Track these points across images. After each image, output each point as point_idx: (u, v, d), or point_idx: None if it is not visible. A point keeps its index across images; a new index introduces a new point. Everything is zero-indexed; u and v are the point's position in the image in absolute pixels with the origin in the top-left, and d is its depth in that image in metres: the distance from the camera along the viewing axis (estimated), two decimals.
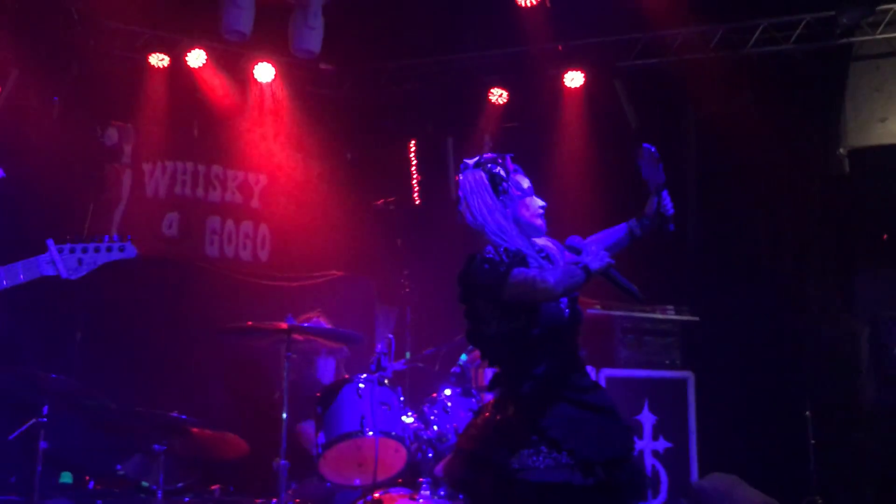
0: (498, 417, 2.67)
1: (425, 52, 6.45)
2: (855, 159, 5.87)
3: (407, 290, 5.18)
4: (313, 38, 5.74)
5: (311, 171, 6.17)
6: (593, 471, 2.54)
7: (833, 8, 5.77)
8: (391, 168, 6.40)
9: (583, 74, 6.26)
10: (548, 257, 2.81)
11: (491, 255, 2.66)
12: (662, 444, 5.58)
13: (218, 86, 6.02)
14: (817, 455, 5.39)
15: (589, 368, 5.14)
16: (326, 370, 4.69)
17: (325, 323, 4.50)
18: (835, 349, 5.79)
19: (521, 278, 2.59)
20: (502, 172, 2.78)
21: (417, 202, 6.36)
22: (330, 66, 6.44)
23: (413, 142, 6.45)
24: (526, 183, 2.83)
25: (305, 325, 3.82)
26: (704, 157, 6.25)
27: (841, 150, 5.94)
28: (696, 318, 5.53)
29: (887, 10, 5.77)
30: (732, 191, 6.11)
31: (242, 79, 6.11)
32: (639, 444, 5.50)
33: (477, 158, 2.84)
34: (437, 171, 6.49)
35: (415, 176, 6.41)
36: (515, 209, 2.77)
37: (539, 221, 2.81)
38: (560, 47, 6.20)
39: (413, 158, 6.47)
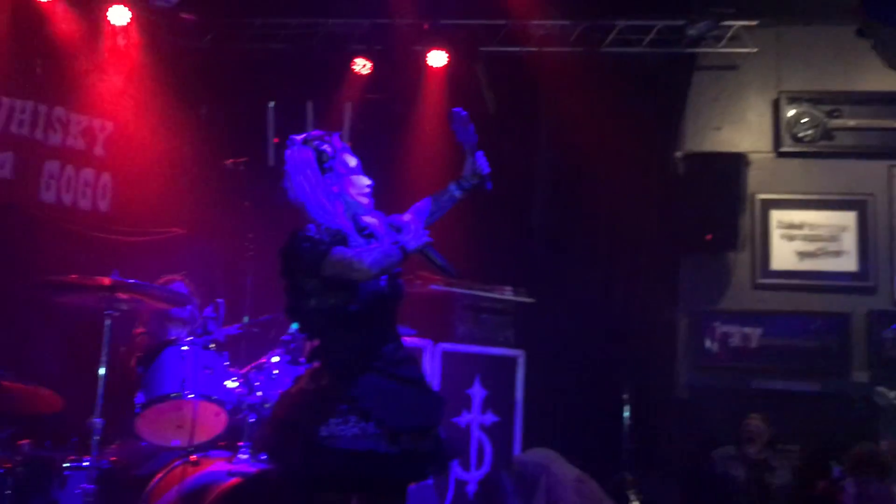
0: (312, 387, 2.75)
1: (292, 12, 6.36)
2: (689, 163, 6.27)
3: (250, 253, 5.14)
4: None
5: (162, 123, 5.98)
6: (399, 439, 2.66)
7: (684, 17, 6.10)
8: (246, 128, 6.28)
9: (446, 54, 6.36)
10: (372, 235, 2.89)
11: (311, 234, 2.72)
12: (490, 418, 5.82)
13: (67, 23, 5.72)
14: (631, 435, 5.77)
15: (426, 342, 5.35)
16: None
17: (186, 287, 4.42)
18: (656, 338, 6.20)
19: (339, 258, 2.66)
20: (329, 150, 2.83)
21: (270, 164, 6.29)
22: (191, 16, 6.24)
23: (272, 103, 6.36)
24: (353, 161, 2.89)
25: (135, 282, 3.74)
26: (555, 147, 6.49)
27: (678, 153, 6.33)
28: (532, 300, 5.76)
29: (730, 26, 6.16)
30: (578, 182, 6.39)
31: (95, 19, 5.83)
32: (467, 418, 5.72)
33: (304, 135, 2.87)
34: (293, 135, 6.44)
35: (271, 138, 6.32)
36: (342, 187, 2.82)
37: (365, 200, 2.87)
38: (426, 26, 6.26)
39: (270, 120, 6.38)
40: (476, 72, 6.40)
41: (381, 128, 6.35)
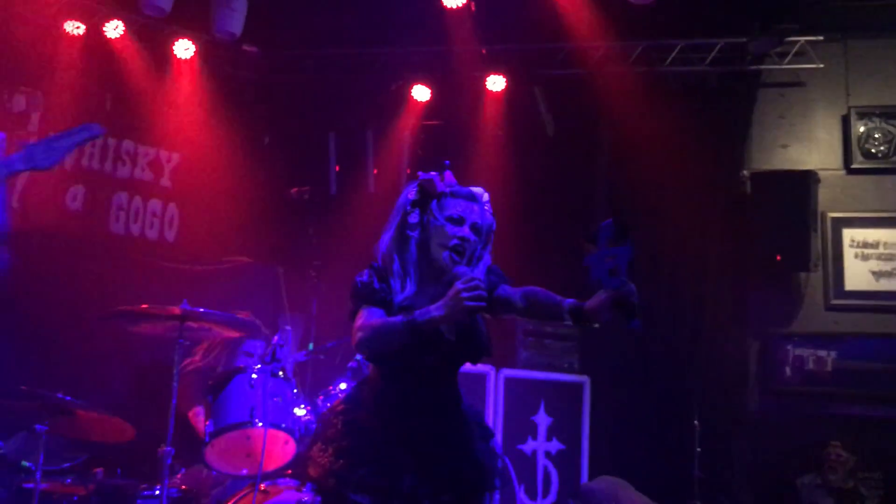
0: (338, 425, 2.66)
1: (351, 42, 6.44)
2: (756, 182, 6.13)
3: (315, 280, 5.17)
4: (234, 19, 5.67)
5: (226, 154, 6.09)
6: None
7: (746, 35, 6.00)
8: (308, 157, 6.37)
9: (504, 79, 6.35)
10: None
11: (364, 279, 2.62)
12: (556, 446, 5.72)
13: (135, 59, 5.88)
14: (701, 462, 5.61)
15: (489, 368, 5.30)
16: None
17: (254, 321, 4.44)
18: (725, 362, 6.03)
19: (357, 321, 2.56)
20: (431, 192, 2.65)
21: (332, 193, 6.35)
22: (252, 49, 6.36)
23: (332, 132, 6.43)
24: (458, 208, 2.64)
25: (205, 311, 3.78)
26: (616, 169, 6.42)
27: (744, 172, 6.20)
28: (596, 325, 5.66)
29: (794, 42, 6.03)
30: (640, 203, 6.29)
31: (161, 54, 5.98)
32: (533, 445, 5.64)
33: (422, 175, 2.70)
34: (354, 163, 6.50)
35: (333, 166, 6.39)
36: (428, 238, 2.64)
37: (443, 257, 2.62)
38: (483, 51, 6.27)
39: (332, 149, 6.45)
40: (534, 95, 6.38)
41: (441, 154, 6.36)
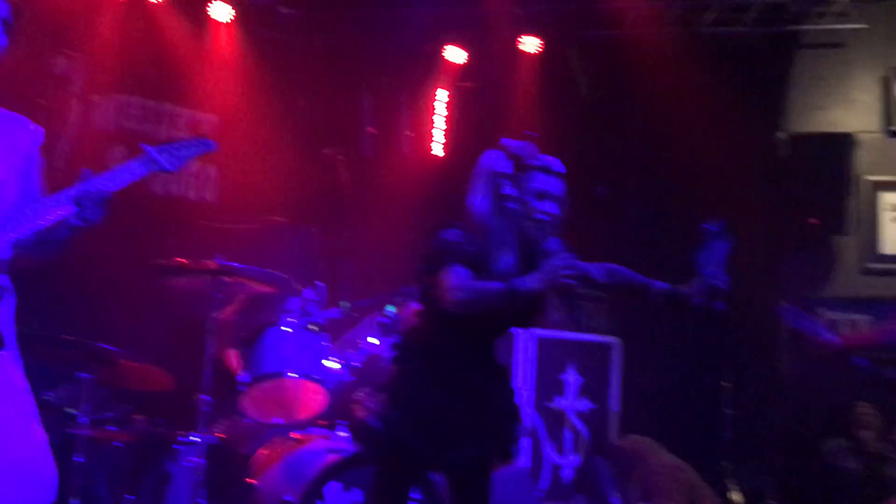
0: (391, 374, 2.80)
1: (384, 3, 6.44)
2: (793, 144, 6.06)
3: (349, 240, 5.27)
4: None
5: (262, 115, 6.17)
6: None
7: None
8: (343, 118, 6.42)
9: (539, 40, 6.33)
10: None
11: (455, 239, 2.66)
12: (586, 405, 5.80)
13: (174, 23, 5.97)
14: (731, 423, 5.63)
15: (519, 329, 5.37)
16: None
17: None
18: (757, 325, 6.02)
19: (455, 279, 2.59)
20: (522, 162, 2.71)
21: (367, 154, 6.41)
22: (290, 10, 6.42)
23: (366, 93, 6.48)
24: (542, 181, 2.71)
25: (239, 265, 3.89)
26: (651, 130, 6.38)
27: (780, 134, 6.12)
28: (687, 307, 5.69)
29: (833, 2, 5.91)
30: (674, 165, 6.26)
31: (199, 17, 6.07)
32: (562, 403, 5.72)
33: (507, 144, 2.76)
34: (388, 125, 6.55)
35: (367, 127, 6.45)
36: (515, 210, 2.70)
37: (531, 231, 2.70)
38: (519, 12, 6.24)
39: (366, 110, 6.50)
40: (569, 57, 6.35)
41: (475, 116, 6.39)
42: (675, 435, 5.55)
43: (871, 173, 6.00)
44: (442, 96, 6.56)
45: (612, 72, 6.33)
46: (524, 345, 5.53)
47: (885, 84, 6.06)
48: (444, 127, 6.56)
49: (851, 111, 6.15)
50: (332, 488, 3.63)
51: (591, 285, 2.80)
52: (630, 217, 6.44)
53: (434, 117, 6.55)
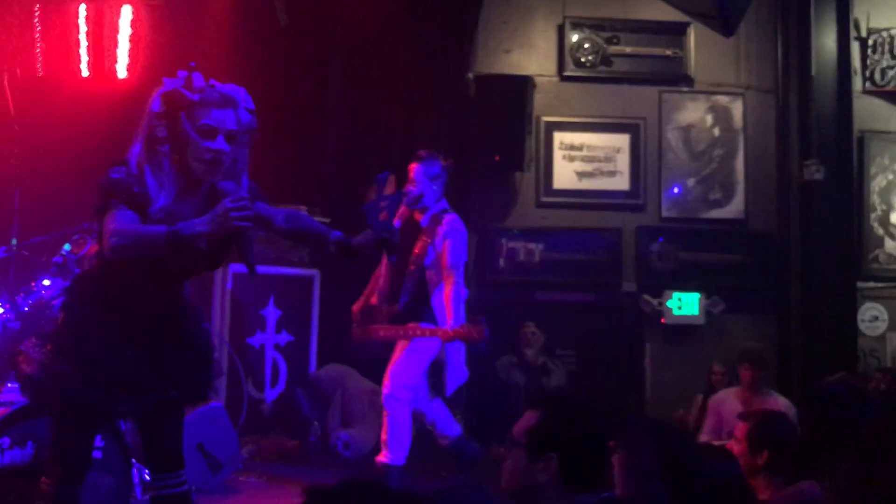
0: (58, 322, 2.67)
1: None
2: (480, 84, 6.42)
3: (17, 169, 4.76)
4: None
5: None
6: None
7: None
8: (9, 31, 5.68)
9: None
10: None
11: (121, 177, 2.50)
12: (284, 338, 5.86)
13: None
14: None
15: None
16: None
17: None
18: None
19: (115, 223, 2.47)
20: (178, 103, 2.52)
21: (40, 74, 5.77)
22: None
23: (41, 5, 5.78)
24: (209, 117, 2.52)
25: None
26: (349, 64, 6.42)
27: (469, 75, 6.46)
28: (328, 220, 5.76)
29: None
30: (372, 99, 6.38)
31: None
32: (261, 338, 5.73)
33: (165, 84, 2.56)
34: (65, 41, 5.91)
35: (38, 44, 5.77)
36: (182, 149, 2.53)
37: (199, 169, 2.54)
38: None
39: (39, 24, 5.80)
40: None
41: (164, 37, 5.98)
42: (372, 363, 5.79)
43: (548, 114, 6.56)
44: (127, 13, 6.03)
45: (312, 1, 6.24)
46: (221, 282, 5.43)
47: (561, 31, 6.60)
48: (130, 46, 6.05)
49: (532, 55, 6.64)
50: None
51: (271, 230, 2.72)
52: (328, 150, 6.50)
53: (119, 36, 6.02)
